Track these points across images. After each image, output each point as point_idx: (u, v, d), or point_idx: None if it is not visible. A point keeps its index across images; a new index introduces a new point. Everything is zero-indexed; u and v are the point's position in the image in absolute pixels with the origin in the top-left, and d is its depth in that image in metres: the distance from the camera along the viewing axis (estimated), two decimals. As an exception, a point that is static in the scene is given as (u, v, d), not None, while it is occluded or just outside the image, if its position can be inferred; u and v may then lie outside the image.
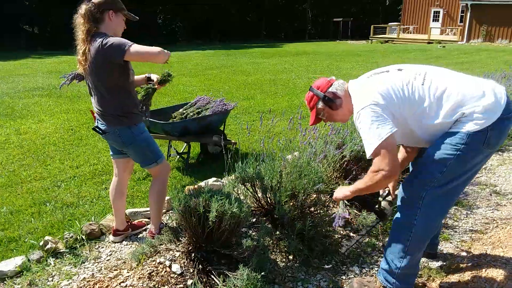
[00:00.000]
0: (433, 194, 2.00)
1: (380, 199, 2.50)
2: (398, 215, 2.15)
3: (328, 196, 3.24)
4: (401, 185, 2.15)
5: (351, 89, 2.14)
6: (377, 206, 2.48)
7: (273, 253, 2.69)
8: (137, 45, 2.40)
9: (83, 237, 2.95)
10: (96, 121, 2.69)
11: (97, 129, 2.66)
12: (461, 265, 2.55)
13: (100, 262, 2.72)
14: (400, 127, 1.98)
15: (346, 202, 2.29)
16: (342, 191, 2.20)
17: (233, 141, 5.08)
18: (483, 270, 2.46)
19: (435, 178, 1.97)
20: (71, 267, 2.66)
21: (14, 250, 2.93)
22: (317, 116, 2.27)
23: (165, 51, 2.43)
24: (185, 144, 4.92)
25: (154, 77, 2.93)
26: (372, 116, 1.92)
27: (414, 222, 2.04)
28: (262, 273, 2.20)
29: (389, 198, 2.47)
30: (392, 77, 2.04)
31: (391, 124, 1.91)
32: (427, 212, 2.02)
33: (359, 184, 2.08)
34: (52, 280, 2.53)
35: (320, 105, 2.21)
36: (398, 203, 2.15)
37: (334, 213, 3.14)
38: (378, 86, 2.00)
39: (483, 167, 4.36)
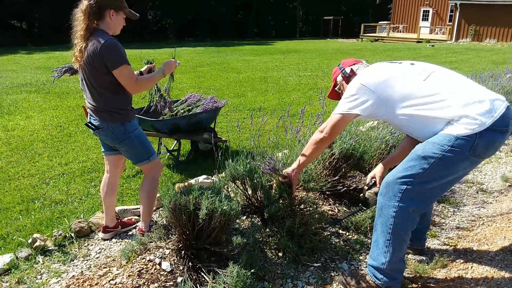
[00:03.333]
0: (412, 191, 2.06)
1: (365, 187, 2.62)
2: (378, 208, 2.21)
3: (318, 194, 3.27)
4: (385, 177, 2.21)
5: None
6: (361, 194, 2.60)
7: (263, 250, 2.71)
8: (129, 69, 2.49)
9: (72, 234, 2.94)
10: (88, 117, 2.68)
11: (90, 125, 2.64)
12: (448, 262, 2.59)
13: (89, 259, 2.70)
14: (389, 114, 2.16)
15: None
16: (290, 167, 2.48)
17: (223, 138, 5.08)
18: (469, 266, 2.50)
19: (417, 174, 2.03)
20: (60, 265, 2.65)
21: (2, 248, 2.91)
22: (334, 88, 2.52)
23: (144, 81, 2.64)
24: (176, 141, 4.91)
25: (150, 66, 3.02)
26: (354, 91, 2.17)
27: (393, 214, 2.10)
28: (252, 270, 2.21)
29: (375, 189, 2.57)
30: (398, 68, 2.20)
31: (360, 108, 2.14)
32: (404, 207, 2.08)
33: (303, 152, 2.39)
34: (40, 278, 2.52)
35: (339, 78, 2.48)
36: (379, 195, 2.21)
37: (324, 210, 3.17)
38: (379, 73, 2.20)
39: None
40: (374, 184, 2.58)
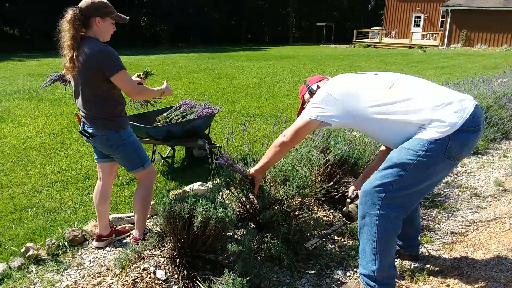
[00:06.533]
0: (391, 198, 2.07)
1: (348, 200, 2.59)
2: (360, 216, 2.21)
3: (313, 200, 3.27)
4: (363, 185, 2.21)
5: None
6: (344, 208, 2.57)
7: (258, 257, 2.69)
8: (127, 74, 2.49)
9: (66, 243, 2.91)
10: (82, 124, 2.66)
11: (84, 133, 2.63)
12: (443, 267, 2.60)
13: (83, 268, 2.68)
14: (360, 124, 2.18)
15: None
16: (253, 167, 2.52)
17: (218, 145, 5.08)
18: (464, 271, 2.51)
19: (394, 181, 2.04)
20: (53, 274, 2.62)
21: (-6, 258, 2.87)
22: (303, 105, 2.50)
23: (146, 91, 2.68)
24: (170, 148, 4.90)
25: (140, 81, 3.01)
26: (319, 99, 2.20)
27: (376, 222, 2.10)
28: (248, 278, 2.20)
29: (358, 201, 2.52)
30: (363, 79, 2.23)
31: (324, 116, 2.15)
32: (385, 214, 2.08)
33: (266, 154, 2.40)
34: (33, 288, 2.49)
35: (306, 96, 2.47)
36: (359, 204, 2.21)
37: (319, 216, 3.17)
38: (343, 83, 2.24)
39: (463, 170, 4.45)
40: (357, 197, 2.55)
